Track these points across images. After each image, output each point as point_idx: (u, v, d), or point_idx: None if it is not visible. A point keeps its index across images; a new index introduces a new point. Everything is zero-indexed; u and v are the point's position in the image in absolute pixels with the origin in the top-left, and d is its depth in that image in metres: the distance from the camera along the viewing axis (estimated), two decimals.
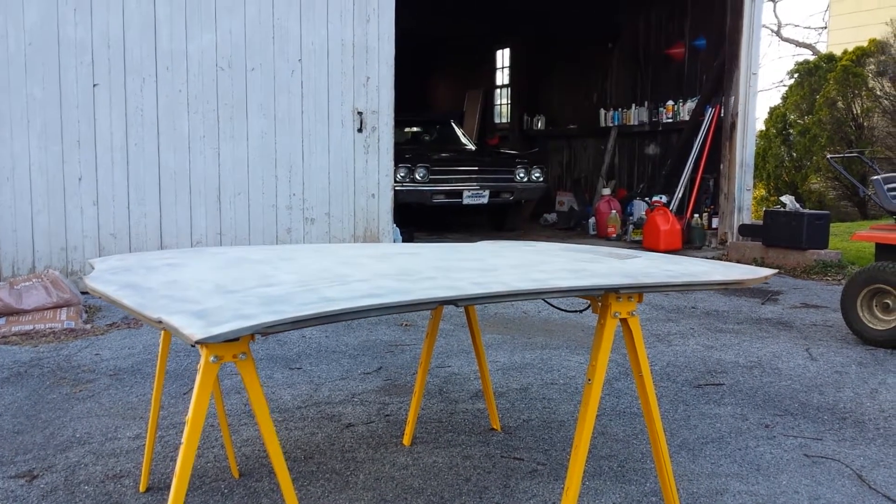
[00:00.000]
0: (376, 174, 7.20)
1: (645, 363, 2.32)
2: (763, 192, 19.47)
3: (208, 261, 2.54)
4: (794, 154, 18.88)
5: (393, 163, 7.35)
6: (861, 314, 4.99)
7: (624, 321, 2.28)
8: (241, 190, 6.72)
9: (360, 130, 7.11)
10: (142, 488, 2.83)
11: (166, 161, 6.46)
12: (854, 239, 5.25)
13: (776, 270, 2.53)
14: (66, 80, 6.05)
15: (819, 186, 18.96)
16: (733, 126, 9.12)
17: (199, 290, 2.01)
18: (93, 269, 2.72)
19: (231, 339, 1.68)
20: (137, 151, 6.35)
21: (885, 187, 5.22)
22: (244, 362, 1.82)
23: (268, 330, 1.64)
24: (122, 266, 2.55)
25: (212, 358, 1.75)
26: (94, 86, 6.11)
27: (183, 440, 1.79)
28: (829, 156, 6.30)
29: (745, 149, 9.09)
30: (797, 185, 18.94)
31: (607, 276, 2.23)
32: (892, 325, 4.83)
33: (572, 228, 11.43)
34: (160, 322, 1.74)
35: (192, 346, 1.64)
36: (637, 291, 2.20)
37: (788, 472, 2.97)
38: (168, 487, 2.86)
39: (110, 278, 2.25)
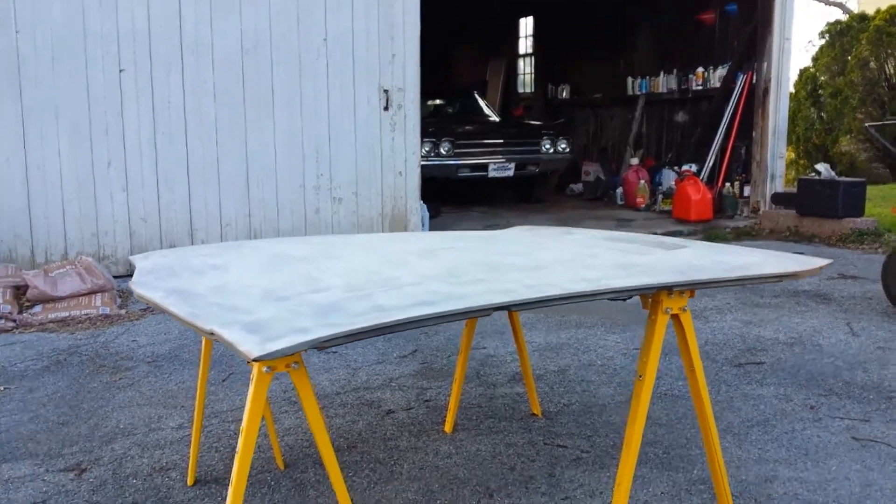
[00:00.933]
0: (403, 152, 7.14)
1: (697, 359, 2.28)
2: (792, 155, 19.13)
3: (250, 259, 2.52)
4: (825, 116, 18.50)
5: (419, 140, 7.28)
6: None
7: (675, 317, 2.23)
8: (268, 171, 6.70)
9: (386, 108, 7.04)
10: (189, 482, 2.85)
11: (194, 144, 6.44)
12: (895, 212, 5.12)
13: (830, 261, 2.47)
14: (93, 72, 6.04)
15: (850, 149, 18.61)
16: (766, 93, 8.92)
17: (248, 296, 1.99)
18: (133, 267, 2.71)
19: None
20: (165, 139, 6.34)
21: None
22: (297, 371, 1.81)
23: (324, 344, 1.62)
24: (164, 266, 2.54)
25: (265, 368, 1.73)
26: (121, 71, 6.09)
27: (238, 449, 1.78)
28: (867, 124, 6.14)
29: (777, 116, 8.90)
30: (828, 148, 18.60)
31: (660, 272, 2.18)
32: None
33: (599, 199, 11.30)
34: (213, 334, 1.72)
35: (249, 363, 1.62)
36: (690, 288, 2.15)
37: (838, 457, 2.92)
38: (215, 480, 2.88)
39: (156, 283, 2.23)
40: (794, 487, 2.69)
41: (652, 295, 2.14)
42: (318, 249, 2.69)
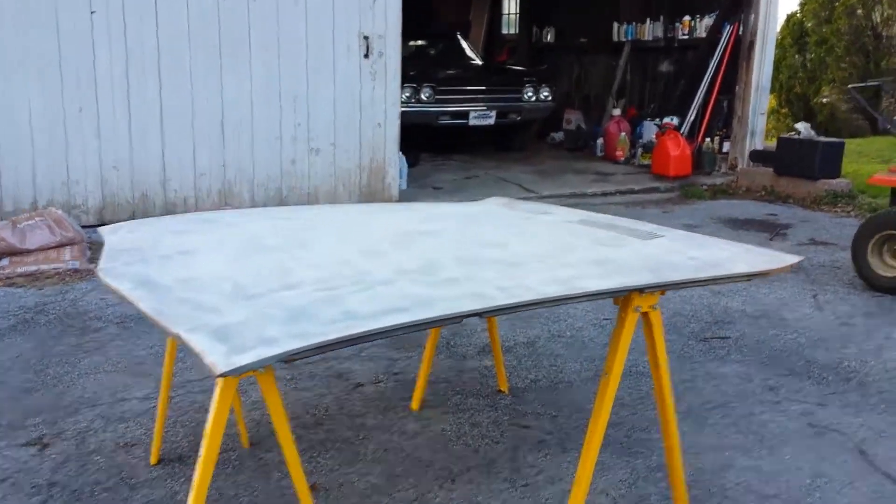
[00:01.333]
0: (383, 103, 7.01)
1: (663, 358, 2.29)
2: (774, 104, 19.07)
3: (223, 242, 2.48)
4: (809, 65, 18.38)
5: (400, 90, 7.15)
6: (871, 260, 4.94)
7: (645, 314, 2.24)
8: (244, 121, 6.56)
9: (366, 56, 6.88)
10: (153, 460, 2.86)
11: (168, 91, 6.28)
12: (871, 182, 5.15)
13: (801, 258, 2.47)
14: (63, 15, 5.82)
15: (832, 99, 18.57)
16: (751, 46, 8.81)
17: (218, 291, 1.96)
18: (104, 219, 2.67)
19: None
20: (138, 86, 6.17)
21: None
22: (264, 375, 1.80)
23: (292, 357, 1.61)
24: (133, 245, 2.50)
25: None
26: (92, 13, 5.88)
27: (200, 454, 1.77)
28: (850, 86, 6.10)
29: (762, 71, 8.81)
30: (809, 98, 18.57)
31: (633, 271, 2.18)
32: None
33: (580, 149, 11.23)
34: (179, 338, 1.70)
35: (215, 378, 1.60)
36: (661, 289, 2.16)
37: (792, 445, 2.99)
38: (179, 458, 2.90)
39: (123, 271, 2.19)
40: (748, 477, 2.75)
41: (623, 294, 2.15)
42: (294, 228, 2.65)
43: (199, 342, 1.67)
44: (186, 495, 2.62)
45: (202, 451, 1.78)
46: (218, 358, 1.59)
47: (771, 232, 6.67)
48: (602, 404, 2.22)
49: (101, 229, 2.89)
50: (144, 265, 2.27)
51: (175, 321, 1.81)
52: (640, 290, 2.15)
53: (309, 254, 2.37)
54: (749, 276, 2.33)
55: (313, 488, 2.71)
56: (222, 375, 1.57)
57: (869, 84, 6.71)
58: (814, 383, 3.57)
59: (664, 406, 2.36)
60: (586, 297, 2.04)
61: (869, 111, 5.89)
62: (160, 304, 1.93)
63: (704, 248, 2.55)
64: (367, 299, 1.90)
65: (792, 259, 2.41)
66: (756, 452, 2.93)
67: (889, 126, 5.44)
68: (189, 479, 2.73)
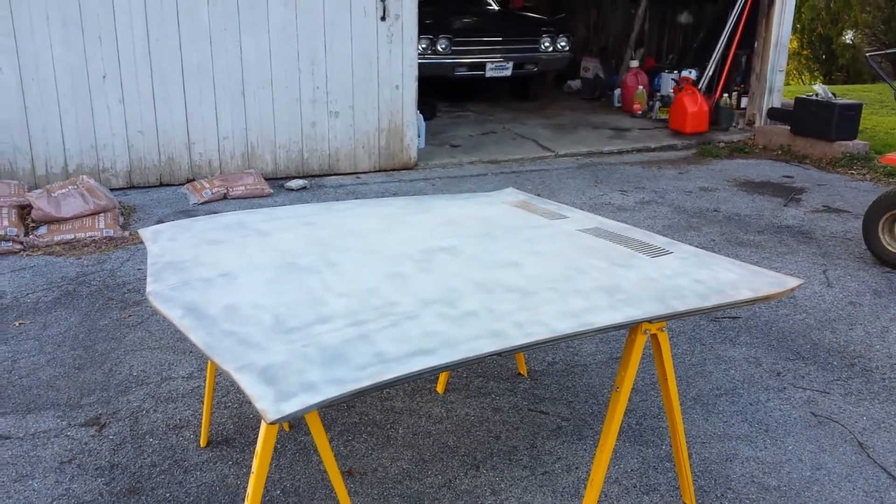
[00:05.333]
0: (400, 65, 7.06)
1: (672, 377, 2.48)
2: (795, 45, 18.76)
3: (258, 263, 2.65)
4: (832, 6, 18.00)
5: (417, 51, 7.18)
6: (881, 236, 5.07)
7: (654, 336, 2.42)
8: (264, 84, 6.65)
9: (383, 18, 6.90)
10: (202, 443, 3.11)
11: (189, 56, 6.36)
12: (883, 161, 5.22)
13: (803, 281, 2.62)
14: None
15: (855, 40, 18.25)
16: (771, 2, 8.72)
17: (258, 324, 2.15)
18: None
19: None
20: (159, 46, 6.25)
21: None
22: (310, 415, 1.99)
23: (332, 403, 1.80)
24: (174, 259, 2.68)
25: None
26: None
27: (248, 491, 1.99)
28: (867, 53, 6.11)
29: (781, 27, 8.74)
30: (832, 40, 18.26)
31: (641, 301, 2.34)
32: None
33: (597, 99, 11.24)
34: (230, 375, 1.90)
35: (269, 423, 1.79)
36: (667, 319, 2.32)
37: (795, 435, 3.20)
38: (226, 441, 3.14)
39: (171, 295, 2.38)
40: (752, 469, 2.97)
41: None
42: (321, 240, 2.81)
43: (248, 384, 1.87)
44: (236, 479, 2.89)
45: (249, 490, 2.00)
46: (267, 405, 1.78)
47: (785, 197, 6.77)
48: (613, 417, 2.41)
49: (143, 234, 3.05)
50: (190, 290, 2.43)
51: (224, 357, 2.00)
52: (648, 321, 2.32)
53: (338, 277, 2.50)
54: (752, 302, 2.48)
55: (349, 473, 2.96)
56: (273, 423, 1.77)
57: (887, 52, 6.70)
58: (819, 369, 3.76)
59: (673, 419, 2.56)
60: (598, 331, 2.22)
61: (886, 80, 5.90)
62: (208, 335, 2.12)
63: (711, 268, 2.68)
64: (395, 338, 2.07)
65: (794, 282, 2.56)
66: (760, 442, 3.14)
67: None
68: (237, 463, 2.99)
